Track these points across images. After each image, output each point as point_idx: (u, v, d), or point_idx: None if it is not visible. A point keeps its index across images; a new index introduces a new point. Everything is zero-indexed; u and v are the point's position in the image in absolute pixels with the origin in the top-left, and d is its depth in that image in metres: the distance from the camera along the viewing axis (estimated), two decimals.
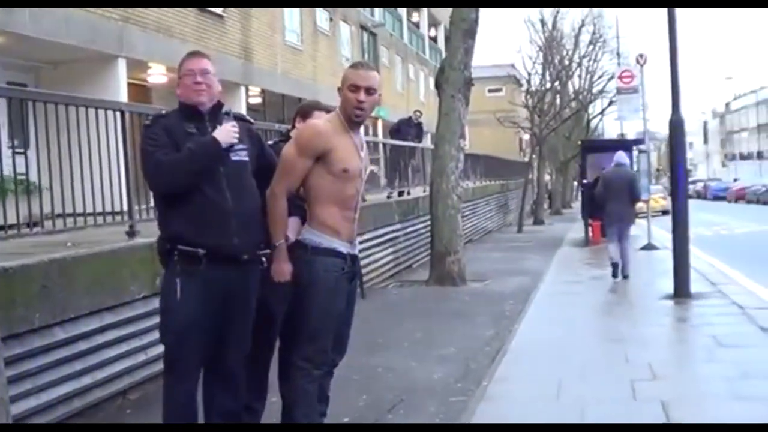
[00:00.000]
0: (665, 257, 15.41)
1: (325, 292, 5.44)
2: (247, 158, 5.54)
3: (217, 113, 5.57)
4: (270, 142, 6.58)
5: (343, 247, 5.51)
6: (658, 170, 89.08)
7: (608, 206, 16.94)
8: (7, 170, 7.90)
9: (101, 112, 8.58)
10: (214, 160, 5.36)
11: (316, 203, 5.47)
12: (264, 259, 5.55)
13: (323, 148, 5.39)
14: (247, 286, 5.50)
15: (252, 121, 6.08)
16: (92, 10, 17.69)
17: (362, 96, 5.45)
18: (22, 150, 8.69)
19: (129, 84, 19.18)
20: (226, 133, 5.42)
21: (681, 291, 13.18)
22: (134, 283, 7.98)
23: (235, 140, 5.45)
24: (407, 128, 24.76)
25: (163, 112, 5.71)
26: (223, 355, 5.52)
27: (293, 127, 6.62)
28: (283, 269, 5.46)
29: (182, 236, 5.31)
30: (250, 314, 5.62)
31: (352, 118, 5.51)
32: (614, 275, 16.40)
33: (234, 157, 5.45)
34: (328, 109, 6.81)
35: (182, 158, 5.29)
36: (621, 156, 17.56)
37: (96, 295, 7.41)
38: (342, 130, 5.50)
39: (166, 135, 5.39)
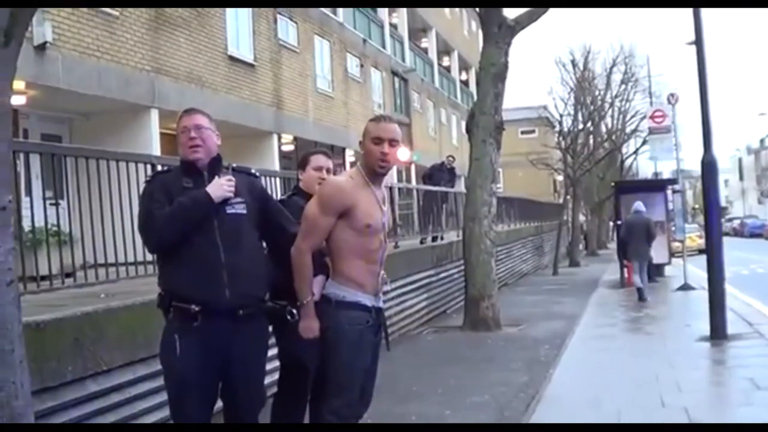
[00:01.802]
0: (702, 297, 15.26)
1: (350, 345, 5.42)
2: (244, 211, 5.49)
3: (216, 167, 5.55)
4: (283, 197, 6.61)
5: (367, 300, 5.50)
6: (694, 209, 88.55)
7: (630, 245, 21.59)
8: (42, 221, 7.98)
9: (131, 164, 8.65)
10: (205, 214, 5.33)
11: (340, 257, 5.47)
12: (295, 314, 5.54)
13: (346, 204, 5.40)
14: (246, 343, 5.42)
15: (257, 174, 6.04)
16: (124, 61, 17.87)
17: (386, 148, 5.46)
18: (54, 202, 8.78)
19: (162, 134, 19.30)
20: (218, 186, 5.40)
21: (717, 332, 13.04)
22: None
23: (230, 194, 5.41)
24: (440, 173, 24.76)
25: (165, 168, 5.72)
26: (235, 410, 5.51)
27: (298, 179, 6.71)
28: (312, 326, 5.46)
29: (176, 291, 5.30)
30: (256, 370, 5.58)
31: (377, 170, 5.51)
32: (641, 299, 20.13)
33: (229, 210, 5.42)
34: (325, 152, 6.87)
35: (172, 212, 5.28)
36: (639, 205, 22.06)
37: (128, 347, 7.41)
38: (364, 185, 5.50)
39: (162, 191, 5.40)
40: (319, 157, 6.82)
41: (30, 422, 4.60)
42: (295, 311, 5.57)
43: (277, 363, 6.52)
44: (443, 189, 23.33)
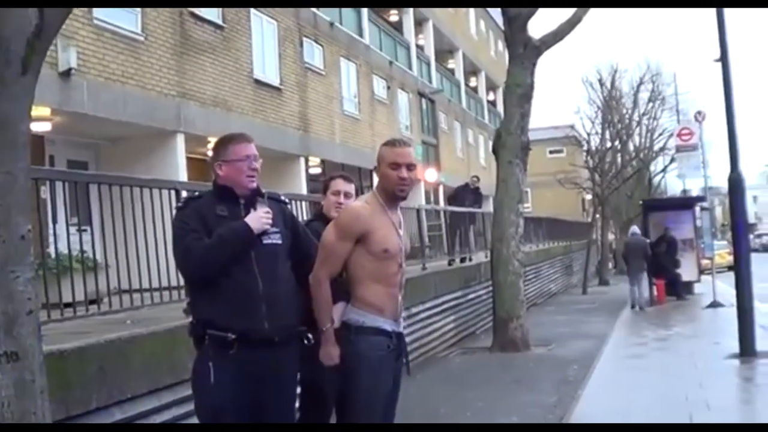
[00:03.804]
0: (731, 315, 15.15)
1: (371, 371, 5.36)
2: (280, 241, 5.47)
3: (253, 196, 5.51)
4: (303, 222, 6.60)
5: (387, 325, 5.45)
6: (723, 225, 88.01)
7: (629, 262, 25.87)
8: (68, 248, 7.99)
9: (155, 190, 8.65)
10: (245, 247, 5.29)
11: (359, 283, 5.43)
12: (311, 338, 5.52)
13: (362, 230, 5.36)
14: (281, 369, 5.40)
15: (287, 201, 6.02)
16: (149, 87, 17.94)
17: (404, 173, 5.41)
18: (78, 227, 8.81)
19: (188, 158, 19.35)
20: (257, 219, 5.36)
21: (746, 350, 12.98)
22: (192, 361, 7.94)
23: (268, 226, 5.39)
24: (464, 194, 24.56)
25: (197, 193, 5.70)
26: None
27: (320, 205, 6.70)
28: (331, 353, 5.41)
29: (212, 321, 5.25)
30: (288, 395, 5.56)
31: (397, 194, 5.47)
32: (632, 306, 24.37)
33: (266, 241, 5.38)
34: (345, 176, 6.85)
35: (212, 245, 5.24)
36: (635, 228, 28.44)
37: (153, 374, 7.38)
38: (380, 210, 5.46)
39: (197, 218, 5.35)
40: (337, 181, 6.82)
41: None
42: (310, 335, 5.54)
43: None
44: (470, 210, 23.22)
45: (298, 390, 6.26)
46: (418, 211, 18.12)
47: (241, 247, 5.28)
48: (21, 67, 4.37)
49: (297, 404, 6.41)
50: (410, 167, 5.46)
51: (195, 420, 7.97)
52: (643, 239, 26.38)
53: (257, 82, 23.32)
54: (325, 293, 5.40)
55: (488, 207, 29.35)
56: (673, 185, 66.86)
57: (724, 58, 13.69)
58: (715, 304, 22.11)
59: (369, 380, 5.37)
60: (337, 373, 5.47)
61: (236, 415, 5.29)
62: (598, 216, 44.02)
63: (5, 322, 4.27)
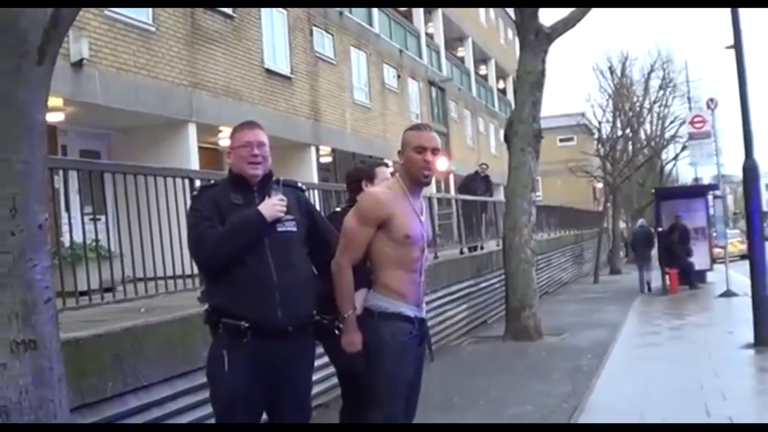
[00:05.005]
0: (745, 304, 15.12)
1: (393, 357, 5.37)
2: (294, 229, 5.44)
3: (266, 183, 5.48)
4: (337, 209, 6.55)
5: (410, 311, 5.46)
6: (735, 213, 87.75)
7: (635, 249, 29.72)
8: (82, 237, 8.01)
9: (169, 179, 8.67)
10: (258, 235, 5.28)
11: (381, 268, 5.43)
12: (341, 327, 5.51)
13: (384, 215, 5.36)
14: (295, 358, 5.39)
15: (303, 188, 5.95)
16: (161, 77, 17.95)
17: (429, 156, 5.42)
18: (92, 216, 8.82)
19: (200, 148, 19.36)
20: (271, 207, 5.33)
21: (761, 339, 12.92)
22: (207, 348, 7.95)
23: (281, 214, 5.36)
24: (474, 183, 24.37)
25: (212, 182, 5.69)
26: (280, 423, 5.48)
27: (352, 199, 6.60)
28: (353, 340, 5.42)
29: (226, 309, 5.26)
30: (303, 386, 5.55)
31: (421, 180, 5.48)
32: (642, 290, 26.64)
33: (280, 228, 5.35)
34: (387, 163, 6.77)
35: (225, 233, 5.24)
36: (642, 221, 31.96)
37: (168, 362, 7.40)
38: (402, 196, 5.47)
39: (212, 206, 5.34)
40: (383, 169, 6.72)
41: None
42: (340, 324, 5.53)
43: (320, 376, 6.50)
44: (482, 198, 23.16)
45: (335, 381, 6.28)
46: (429, 199, 18.09)
47: (253, 235, 5.27)
48: (37, 57, 4.37)
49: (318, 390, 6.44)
50: (435, 152, 5.47)
51: (209, 408, 8.05)
52: (649, 228, 29.93)
53: (268, 71, 23.32)
54: (347, 279, 5.40)
55: (499, 195, 29.36)
56: (684, 173, 66.87)
57: (737, 45, 13.63)
58: (728, 293, 22.05)
59: (392, 367, 5.37)
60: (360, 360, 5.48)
61: (250, 403, 5.31)
62: (609, 204, 43.91)
63: (23, 311, 4.28)
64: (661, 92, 53.42)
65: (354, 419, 6.08)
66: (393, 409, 5.41)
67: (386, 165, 6.88)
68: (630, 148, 47.91)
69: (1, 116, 4.23)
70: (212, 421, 8.04)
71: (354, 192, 6.68)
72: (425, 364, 5.76)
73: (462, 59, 49.54)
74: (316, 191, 11.91)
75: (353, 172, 6.87)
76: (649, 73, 52.34)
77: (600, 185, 52.58)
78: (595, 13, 18.33)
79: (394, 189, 5.52)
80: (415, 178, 5.49)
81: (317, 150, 26.54)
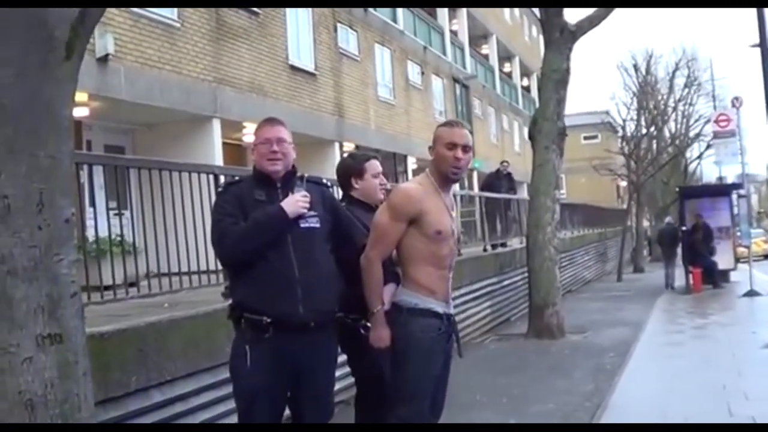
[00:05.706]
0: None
1: (422, 353, 5.38)
2: (318, 225, 5.44)
3: (290, 180, 5.49)
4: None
5: (439, 307, 5.46)
6: (759, 213, 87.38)
7: (662, 248, 30.02)
8: (106, 231, 8.04)
9: (194, 175, 8.69)
10: (280, 231, 5.30)
11: (411, 264, 5.44)
12: (368, 325, 5.53)
13: (416, 211, 5.38)
14: (316, 354, 5.40)
15: (328, 184, 5.98)
16: (185, 72, 17.99)
17: (460, 153, 5.43)
18: (118, 212, 8.86)
19: (224, 144, 19.39)
20: (293, 203, 5.34)
21: None
22: (230, 344, 7.98)
23: (304, 210, 5.37)
24: (497, 182, 24.25)
25: (237, 178, 5.70)
26: (303, 421, 5.49)
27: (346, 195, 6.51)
28: (382, 335, 5.43)
29: (248, 304, 5.28)
30: (324, 382, 5.55)
31: (450, 176, 5.50)
32: (666, 287, 27.06)
33: (303, 224, 5.37)
34: (376, 156, 6.65)
35: (247, 229, 5.26)
36: (669, 219, 33.60)
37: (192, 357, 7.43)
38: (433, 191, 5.49)
39: (236, 203, 5.37)
40: (374, 162, 6.56)
41: None
42: (369, 324, 5.54)
43: (343, 372, 6.48)
44: (505, 196, 23.07)
45: (352, 380, 6.26)
46: (453, 196, 18.04)
47: (276, 231, 5.29)
48: (65, 52, 4.39)
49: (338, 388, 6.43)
50: (466, 149, 5.48)
51: (232, 403, 8.08)
52: (675, 226, 30.45)
53: (292, 67, 23.33)
54: (376, 275, 5.42)
55: (522, 193, 29.27)
56: (708, 172, 66.54)
57: (762, 44, 13.58)
58: (751, 293, 21.96)
59: (420, 363, 5.38)
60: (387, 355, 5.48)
61: (271, 398, 5.33)
62: (633, 203, 43.77)
63: (49, 304, 4.29)
64: (686, 90, 53.24)
65: (374, 419, 6.01)
66: (419, 407, 5.42)
67: (376, 158, 6.67)
68: (654, 146, 47.78)
69: (28, 111, 4.25)
70: (235, 416, 8.11)
71: (345, 188, 6.61)
72: (453, 360, 5.75)
73: (486, 56, 49.40)
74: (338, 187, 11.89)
75: (341, 168, 6.69)
76: (674, 71, 52.27)
77: (624, 183, 52.41)
78: (620, 12, 18.26)
79: (425, 184, 5.54)
80: (443, 174, 5.51)
81: (341, 146, 26.52)
